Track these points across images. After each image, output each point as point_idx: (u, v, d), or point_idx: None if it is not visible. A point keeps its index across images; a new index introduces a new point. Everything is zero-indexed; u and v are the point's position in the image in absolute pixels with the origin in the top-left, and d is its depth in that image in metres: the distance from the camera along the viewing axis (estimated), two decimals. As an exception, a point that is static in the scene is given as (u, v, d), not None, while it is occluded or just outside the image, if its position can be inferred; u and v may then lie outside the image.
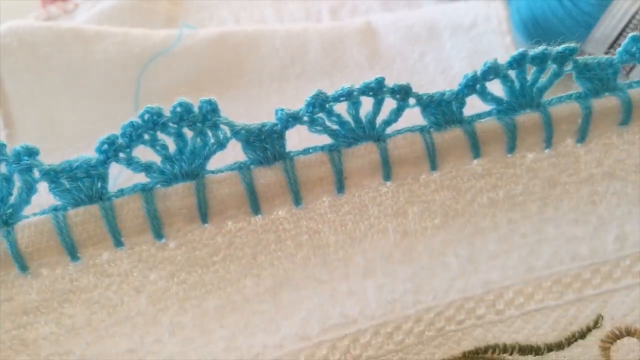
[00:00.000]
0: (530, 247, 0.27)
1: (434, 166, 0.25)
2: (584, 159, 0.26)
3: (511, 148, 0.26)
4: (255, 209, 0.24)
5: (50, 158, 0.23)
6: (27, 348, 0.23)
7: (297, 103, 0.23)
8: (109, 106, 0.41)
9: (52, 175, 0.23)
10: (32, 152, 0.23)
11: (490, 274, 0.26)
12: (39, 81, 0.40)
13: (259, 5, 0.54)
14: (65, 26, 0.41)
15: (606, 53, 0.41)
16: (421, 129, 0.25)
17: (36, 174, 0.23)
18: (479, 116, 0.26)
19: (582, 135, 0.26)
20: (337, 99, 0.24)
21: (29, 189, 0.23)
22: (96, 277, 0.24)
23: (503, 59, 0.41)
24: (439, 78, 0.44)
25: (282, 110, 0.24)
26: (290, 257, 0.25)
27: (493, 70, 0.24)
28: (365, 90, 0.24)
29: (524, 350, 0.26)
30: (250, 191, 0.24)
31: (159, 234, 0.24)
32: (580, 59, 0.25)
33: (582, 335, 0.26)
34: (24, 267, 0.23)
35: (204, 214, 0.24)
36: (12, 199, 0.23)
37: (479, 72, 0.24)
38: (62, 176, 0.23)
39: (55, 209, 0.23)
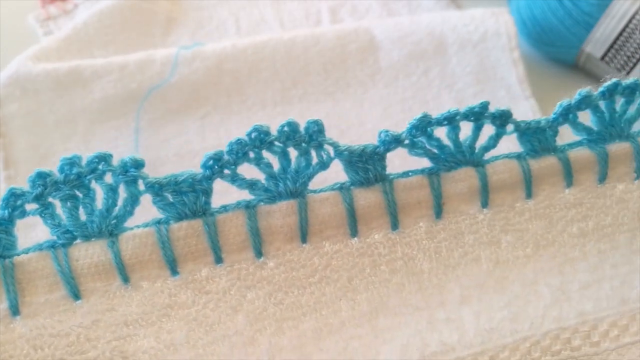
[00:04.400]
0: (622, 277, 0.26)
1: (529, 194, 0.26)
2: None
3: (602, 177, 0.26)
4: (354, 230, 0.24)
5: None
6: (127, 359, 0.22)
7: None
8: (109, 142, 0.42)
9: (157, 188, 0.23)
10: (138, 164, 0.23)
11: (583, 304, 0.26)
12: (41, 124, 0.41)
13: (258, 5, 0.53)
14: (63, 69, 0.42)
15: (606, 53, 0.42)
16: (518, 156, 0.25)
17: (141, 186, 0.23)
18: (570, 145, 0.26)
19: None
20: (440, 122, 0.24)
21: (134, 201, 0.23)
22: (194, 293, 0.23)
23: (510, 73, 0.43)
24: (444, 93, 0.43)
25: (387, 132, 0.24)
26: (385, 282, 0.25)
27: (586, 100, 0.25)
28: (468, 114, 0.24)
29: None
30: (350, 211, 0.24)
31: (259, 252, 0.24)
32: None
33: None
34: (126, 279, 0.22)
35: (304, 232, 0.24)
36: (116, 210, 0.23)
37: (572, 102, 0.25)
38: (167, 189, 0.23)
39: (158, 222, 0.23)
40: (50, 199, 0.23)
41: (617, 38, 0.41)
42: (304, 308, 0.24)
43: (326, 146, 0.24)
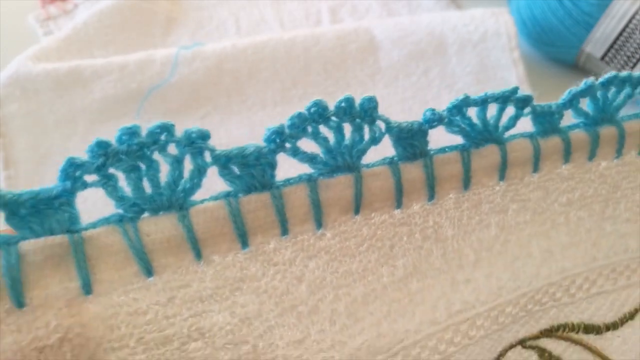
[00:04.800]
0: (593, 240, 0.31)
1: (536, 169, 0.29)
2: None
3: (592, 156, 0.30)
4: (399, 202, 0.26)
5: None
6: (203, 336, 0.22)
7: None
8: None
9: (224, 161, 0.23)
10: (205, 136, 0.22)
11: (564, 262, 0.30)
12: (41, 124, 0.41)
13: (258, 5, 0.54)
14: (63, 69, 0.41)
15: (606, 53, 0.44)
16: (530, 135, 0.29)
17: (207, 158, 0.23)
18: (570, 127, 0.30)
19: (642, 148, 0.31)
20: (477, 103, 0.26)
21: (201, 173, 0.23)
22: (263, 265, 0.24)
23: (510, 73, 0.47)
24: (444, 93, 0.46)
25: (432, 110, 0.26)
26: (418, 249, 0.27)
27: (590, 89, 0.29)
28: (499, 97, 0.27)
29: (588, 329, 0.30)
30: (397, 185, 0.26)
31: (319, 224, 0.25)
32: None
33: (632, 316, 0.31)
34: (199, 254, 0.22)
35: (358, 205, 0.25)
36: (182, 183, 0.22)
37: (579, 89, 0.29)
38: (234, 162, 0.23)
39: (227, 195, 0.23)
40: (111, 170, 0.22)
41: (617, 38, 0.42)
42: (354, 275, 0.26)
43: (378, 122, 0.25)
